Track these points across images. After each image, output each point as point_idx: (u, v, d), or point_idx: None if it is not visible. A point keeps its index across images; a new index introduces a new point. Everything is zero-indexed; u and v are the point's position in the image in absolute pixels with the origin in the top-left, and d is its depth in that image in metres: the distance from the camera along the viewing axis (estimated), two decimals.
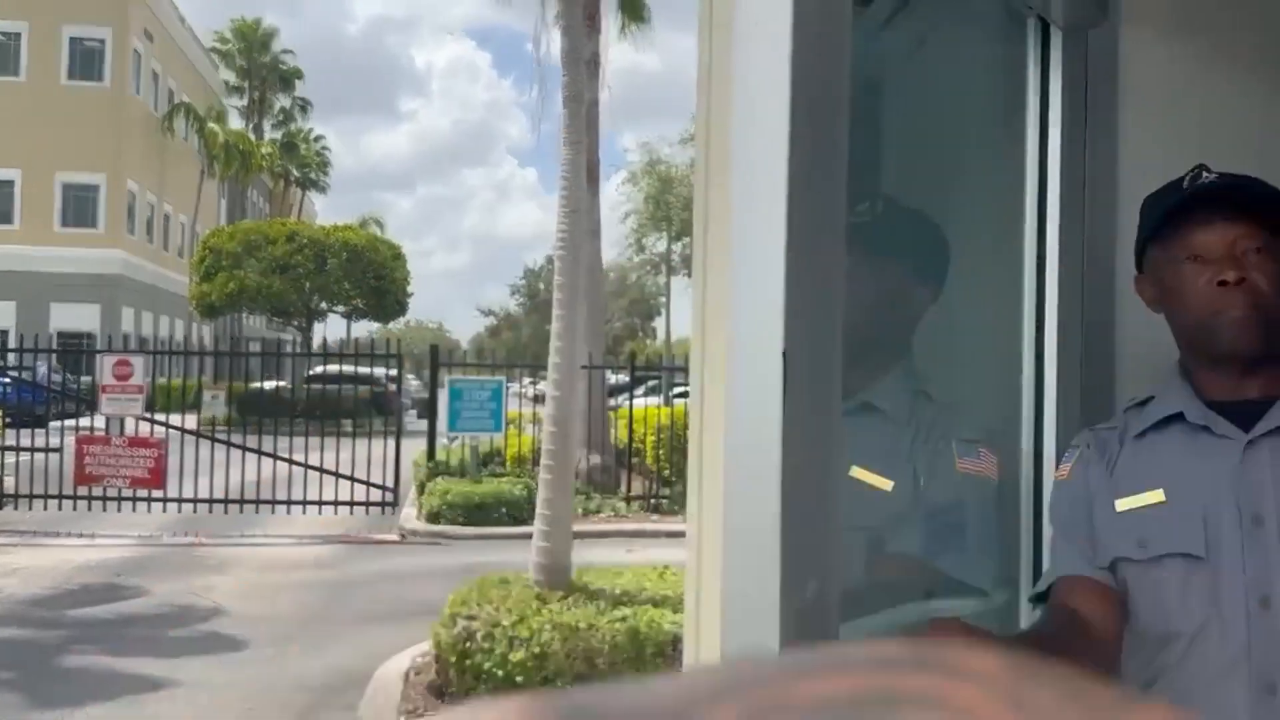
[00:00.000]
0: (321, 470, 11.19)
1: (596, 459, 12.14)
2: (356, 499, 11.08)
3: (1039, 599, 1.45)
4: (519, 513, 10.13)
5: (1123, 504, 1.37)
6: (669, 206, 33.72)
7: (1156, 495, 1.35)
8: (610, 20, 13.59)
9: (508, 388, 12.22)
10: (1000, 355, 1.82)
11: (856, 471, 1.62)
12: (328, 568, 9.13)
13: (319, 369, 19.82)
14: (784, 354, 1.00)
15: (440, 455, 11.93)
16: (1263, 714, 1.24)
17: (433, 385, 12.32)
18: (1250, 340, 1.30)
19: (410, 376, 23.99)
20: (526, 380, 20.08)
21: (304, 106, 46.34)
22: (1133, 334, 1.83)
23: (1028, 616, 1.63)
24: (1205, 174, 1.38)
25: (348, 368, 19.26)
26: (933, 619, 1.09)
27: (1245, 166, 1.68)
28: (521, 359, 27.29)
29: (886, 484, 1.63)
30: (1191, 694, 1.28)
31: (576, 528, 6.70)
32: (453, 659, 5.30)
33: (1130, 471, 1.39)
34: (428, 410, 12.74)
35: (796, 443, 1.00)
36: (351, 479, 11.08)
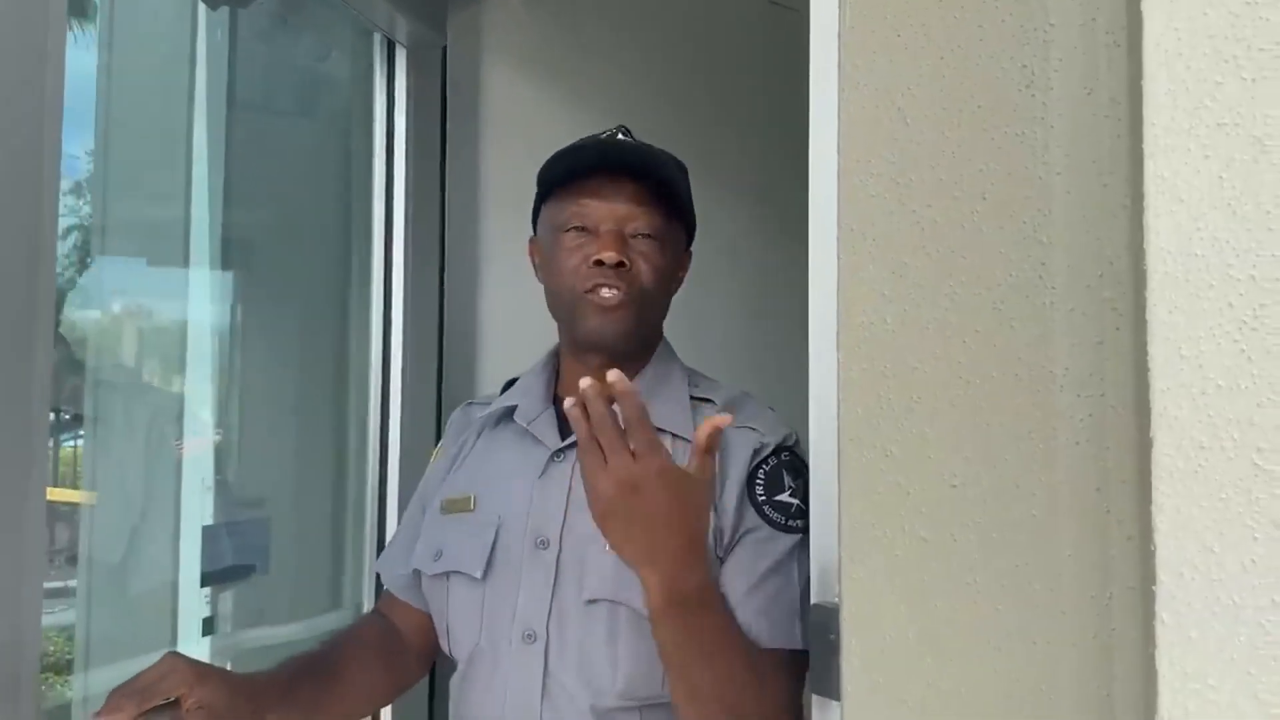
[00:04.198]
0: None
1: None
2: None
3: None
4: None
5: (445, 506, 1.19)
6: None
7: (468, 502, 1.17)
8: None
9: None
10: (349, 362, 1.76)
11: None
12: None
13: None
14: None
15: None
16: None
17: None
18: (617, 331, 1.11)
19: None
20: None
21: None
22: (494, 338, 1.85)
23: None
24: (623, 136, 1.19)
25: None
26: (168, 652, 0.96)
27: None
28: None
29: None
30: (470, 710, 1.14)
31: None
32: None
33: (468, 468, 1.21)
34: None
35: None
36: None
